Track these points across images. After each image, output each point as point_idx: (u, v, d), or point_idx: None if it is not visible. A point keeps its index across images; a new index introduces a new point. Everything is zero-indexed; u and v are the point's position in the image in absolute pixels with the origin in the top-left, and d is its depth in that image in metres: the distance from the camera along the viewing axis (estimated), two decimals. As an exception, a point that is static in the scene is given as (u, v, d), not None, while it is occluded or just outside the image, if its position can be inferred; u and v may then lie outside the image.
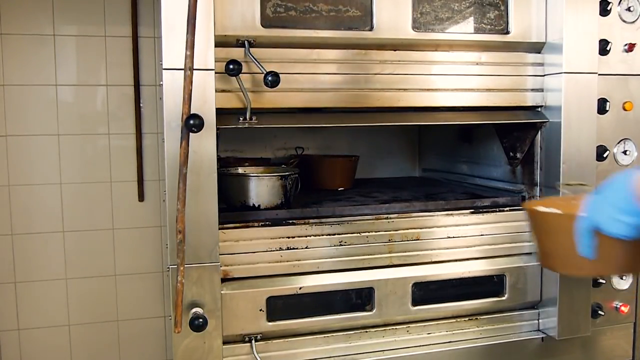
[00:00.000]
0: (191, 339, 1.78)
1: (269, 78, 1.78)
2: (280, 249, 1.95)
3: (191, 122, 1.62)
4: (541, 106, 2.18)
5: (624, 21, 2.17)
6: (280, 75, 1.79)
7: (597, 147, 2.13)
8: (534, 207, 1.67)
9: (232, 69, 1.79)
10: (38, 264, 2.81)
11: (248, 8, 1.84)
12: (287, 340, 1.98)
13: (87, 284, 2.88)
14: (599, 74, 2.10)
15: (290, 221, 1.98)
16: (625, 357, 2.33)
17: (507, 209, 2.22)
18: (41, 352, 2.85)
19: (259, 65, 1.81)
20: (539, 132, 2.19)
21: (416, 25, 2.02)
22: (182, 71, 1.64)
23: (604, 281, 2.22)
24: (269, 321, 1.93)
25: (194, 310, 1.77)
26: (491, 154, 2.55)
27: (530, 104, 2.17)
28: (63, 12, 2.75)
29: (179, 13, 1.68)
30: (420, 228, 2.09)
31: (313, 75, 1.93)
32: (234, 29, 1.83)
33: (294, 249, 1.96)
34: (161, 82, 1.75)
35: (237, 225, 1.93)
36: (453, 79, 2.08)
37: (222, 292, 1.84)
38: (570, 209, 1.50)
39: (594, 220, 1.40)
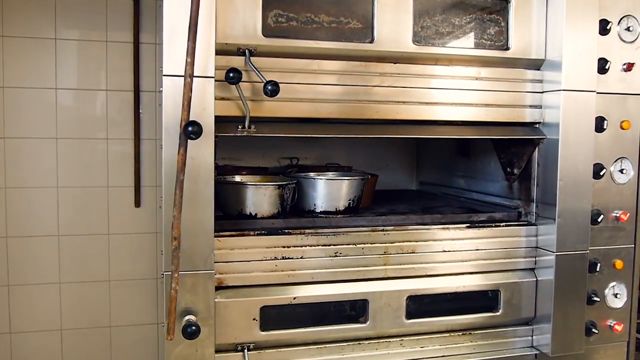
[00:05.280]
0: (183, 347, 1.77)
1: (269, 87, 1.79)
2: (276, 258, 1.95)
3: (190, 129, 1.62)
4: (539, 123, 2.19)
5: (623, 41, 2.19)
6: (280, 84, 1.80)
7: (594, 165, 2.14)
8: None
9: (232, 77, 1.79)
10: (32, 267, 2.80)
11: (249, 17, 1.85)
12: (280, 350, 1.97)
13: (80, 288, 2.87)
14: (598, 92, 2.12)
15: (286, 231, 1.98)
16: (618, 376, 2.33)
17: (503, 224, 2.22)
18: (32, 357, 2.83)
19: (259, 74, 1.82)
20: (537, 149, 2.20)
21: (417, 39, 2.03)
22: (182, 78, 1.64)
23: (598, 299, 2.22)
24: (262, 331, 1.93)
25: (187, 317, 1.76)
26: (488, 169, 2.55)
27: (528, 120, 2.17)
28: (65, 17, 2.76)
29: (180, 20, 1.68)
30: (416, 241, 2.09)
31: (313, 86, 1.94)
32: (235, 37, 1.84)
33: (289, 258, 1.96)
34: (161, 89, 1.75)
35: (233, 233, 1.92)
36: (452, 93, 2.08)
37: (216, 300, 1.84)
38: None
39: None
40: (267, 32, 1.88)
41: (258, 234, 1.95)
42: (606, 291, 2.25)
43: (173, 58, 1.71)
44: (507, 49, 2.14)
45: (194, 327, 1.73)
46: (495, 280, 2.18)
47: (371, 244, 2.04)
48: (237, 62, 1.84)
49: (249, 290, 1.93)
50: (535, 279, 2.20)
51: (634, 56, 2.20)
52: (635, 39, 2.20)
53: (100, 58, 2.82)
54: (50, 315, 2.84)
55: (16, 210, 2.77)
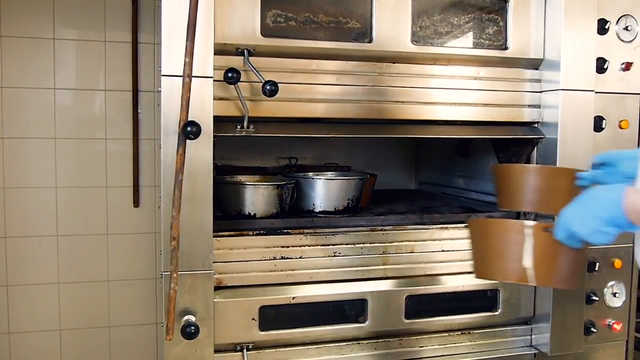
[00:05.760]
0: (182, 347, 1.77)
1: (268, 87, 1.79)
2: (275, 258, 1.95)
3: (188, 129, 1.62)
4: (538, 122, 2.19)
5: (621, 40, 2.19)
6: (278, 84, 1.80)
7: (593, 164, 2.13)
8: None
9: (231, 77, 1.79)
10: (31, 267, 2.80)
11: (248, 17, 1.84)
12: (279, 350, 1.97)
13: (79, 288, 2.87)
14: (596, 92, 2.12)
15: (285, 231, 1.98)
16: (617, 375, 2.33)
17: (502, 223, 2.21)
18: (31, 357, 2.83)
19: (257, 74, 1.82)
20: (535, 148, 2.20)
21: (415, 39, 2.03)
22: (181, 78, 1.64)
23: (597, 298, 2.22)
24: (262, 330, 1.93)
25: (186, 317, 1.76)
26: (487, 168, 2.55)
27: (527, 120, 2.17)
28: (64, 16, 2.76)
29: (179, 20, 1.68)
30: (415, 241, 2.09)
31: (312, 86, 1.94)
32: (233, 37, 1.83)
33: (288, 258, 1.96)
34: (159, 89, 1.75)
35: (232, 233, 1.92)
36: (451, 92, 2.08)
37: (214, 300, 1.84)
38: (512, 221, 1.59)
39: (572, 230, 1.42)
40: (266, 32, 1.88)
41: (257, 234, 1.95)
42: (605, 290, 2.25)
43: (171, 58, 1.71)
44: (506, 48, 2.14)
45: (193, 327, 1.73)
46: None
47: (370, 243, 2.04)
48: (236, 62, 1.84)
49: (247, 290, 1.93)
50: (534, 279, 2.20)
51: (632, 55, 2.20)
52: (634, 39, 2.20)
53: (98, 58, 2.82)
54: (49, 315, 2.84)
55: (15, 210, 2.77)
